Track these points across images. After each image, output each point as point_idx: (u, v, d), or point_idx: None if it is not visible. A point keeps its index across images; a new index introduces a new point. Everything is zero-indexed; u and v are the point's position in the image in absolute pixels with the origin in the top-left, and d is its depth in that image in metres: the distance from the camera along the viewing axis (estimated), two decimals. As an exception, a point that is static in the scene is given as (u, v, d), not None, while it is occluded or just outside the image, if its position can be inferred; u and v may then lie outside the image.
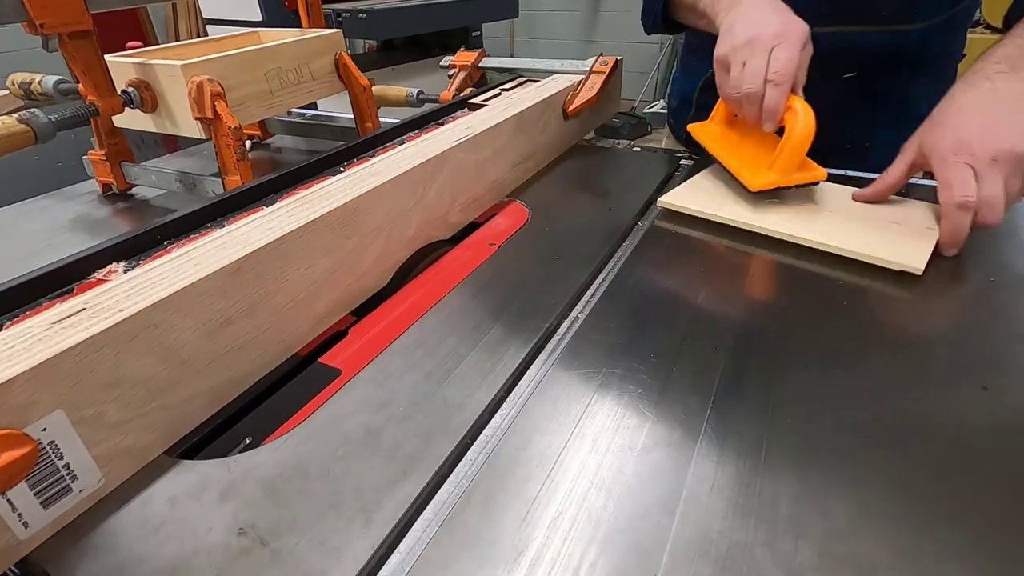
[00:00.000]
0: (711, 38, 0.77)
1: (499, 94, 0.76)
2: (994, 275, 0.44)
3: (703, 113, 0.83)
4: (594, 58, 0.78)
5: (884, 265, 0.43)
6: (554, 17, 4.17)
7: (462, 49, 0.84)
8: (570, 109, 0.69)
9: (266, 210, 0.39)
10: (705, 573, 0.23)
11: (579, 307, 0.42)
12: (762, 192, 0.51)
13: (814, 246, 0.46)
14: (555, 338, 0.38)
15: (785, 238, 0.48)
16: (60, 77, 0.62)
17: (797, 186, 0.52)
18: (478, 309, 0.41)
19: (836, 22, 0.65)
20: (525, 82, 0.82)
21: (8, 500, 0.24)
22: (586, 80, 0.73)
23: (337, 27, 2.63)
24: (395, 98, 0.82)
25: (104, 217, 0.62)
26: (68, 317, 0.27)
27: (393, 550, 0.25)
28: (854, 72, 0.66)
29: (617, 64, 0.76)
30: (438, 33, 2.92)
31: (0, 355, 0.25)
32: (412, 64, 3.06)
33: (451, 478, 0.28)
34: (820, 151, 0.67)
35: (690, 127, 0.62)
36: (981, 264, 0.45)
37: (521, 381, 0.35)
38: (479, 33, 3.31)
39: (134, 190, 0.66)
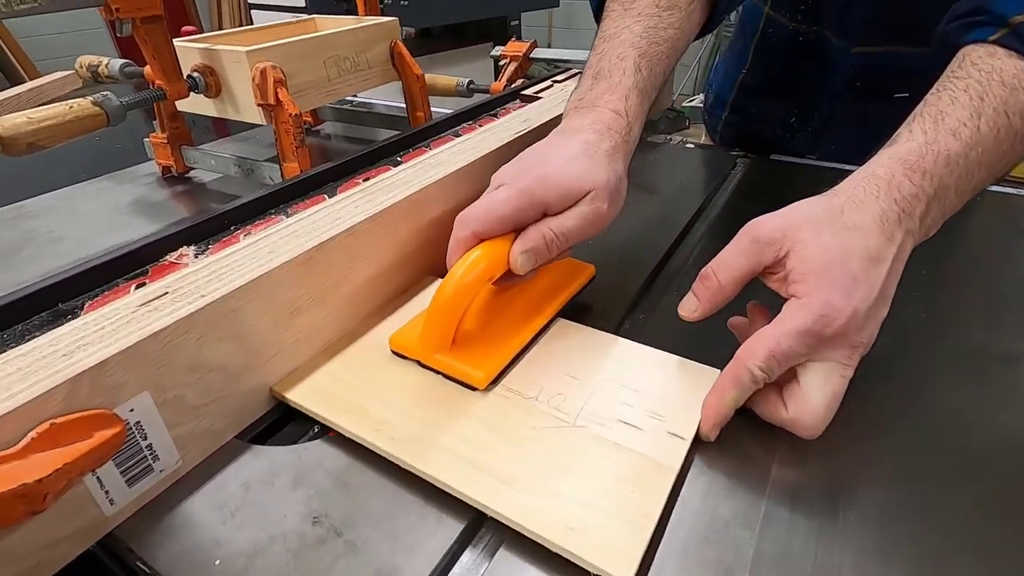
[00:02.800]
0: (752, 20, 0.74)
1: (551, 86, 0.75)
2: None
3: (736, 116, 0.81)
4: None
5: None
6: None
7: (513, 39, 0.83)
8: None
9: (331, 200, 0.39)
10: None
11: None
12: (400, 355, 0.34)
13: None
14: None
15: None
16: (126, 60, 0.64)
17: (441, 372, 0.33)
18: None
19: (886, 42, 0.62)
20: (577, 74, 0.80)
21: (97, 478, 0.25)
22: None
23: (379, 14, 2.63)
24: (444, 87, 0.81)
25: (163, 200, 0.63)
26: (152, 300, 0.28)
27: (466, 547, 0.25)
28: (905, 93, 0.64)
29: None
30: (477, 22, 2.91)
31: (91, 336, 0.25)
32: (451, 52, 3.06)
33: (520, 478, 0.28)
34: (860, 158, 0.64)
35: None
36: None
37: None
38: (517, 22, 3.29)
39: (191, 173, 0.68)
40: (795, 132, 0.72)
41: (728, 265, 0.31)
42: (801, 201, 0.31)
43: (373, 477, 0.28)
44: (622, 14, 0.43)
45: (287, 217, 0.42)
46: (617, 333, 0.37)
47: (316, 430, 0.32)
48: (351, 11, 0.81)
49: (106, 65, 0.64)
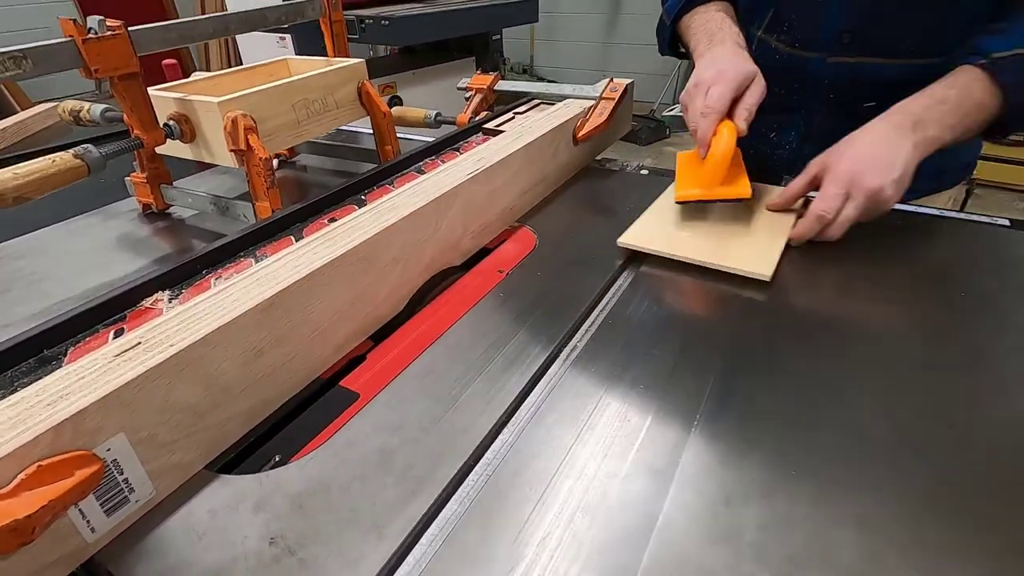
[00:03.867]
0: (747, 44, 0.83)
1: (512, 118, 0.79)
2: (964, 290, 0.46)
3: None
4: (605, 82, 0.81)
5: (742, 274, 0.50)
6: (574, 20, 4.18)
7: (478, 72, 0.88)
8: (580, 135, 0.72)
9: (294, 245, 0.43)
10: (673, 592, 0.27)
11: (578, 336, 0.45)
12: (690, 203, 0.58)
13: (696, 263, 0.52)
14: (554, 366, 0.42)
15: (686, 260, 0.52)
16: (107, 106, 0.67)
17: (722, 200, 0.57)
18: (484, 337, 0.45)
19: (857, 53, 0.67)
20: (538, 104, 0.85)
21: (80, 509, 0.28)
22: (596, 106, 0.76)
23: (360, 33, 2.65)
24: (414, 119, 0.86)
25: (145, 236, 0.67)
26: (127, 351, 0.32)
27: (402, 562, 0.29)
28: (873, 102, 0.69)
29: (627, 90, 0.79)
30: (459, 37, 2.95)
31: (72, 386, 0.29)
32: (433, 68, 3.11)
33: (454, 498, 0.32)
34: None
35: (678, 156, 0.67)
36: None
37: (520, 408, 0.38)
38: (499, 37, 3.34)
39: (171, 209, 0.71)
40: (775, 148, 0.77)
41: (798, 181, 0.56)
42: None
43: (325, 499, 0.32)
44: (705, 13, 0.70)
45: (255, 260, 0.46)
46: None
47: (278, 458, 0.36)
48: None
49: (87, 110, 0.67)
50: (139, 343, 0.32)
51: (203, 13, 5.33)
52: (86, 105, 0.68)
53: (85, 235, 0.68)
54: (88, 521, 0.29)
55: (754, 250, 0.52)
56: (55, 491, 0.26)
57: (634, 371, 0.41)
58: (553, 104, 0.82)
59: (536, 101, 0.85)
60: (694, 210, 0.59)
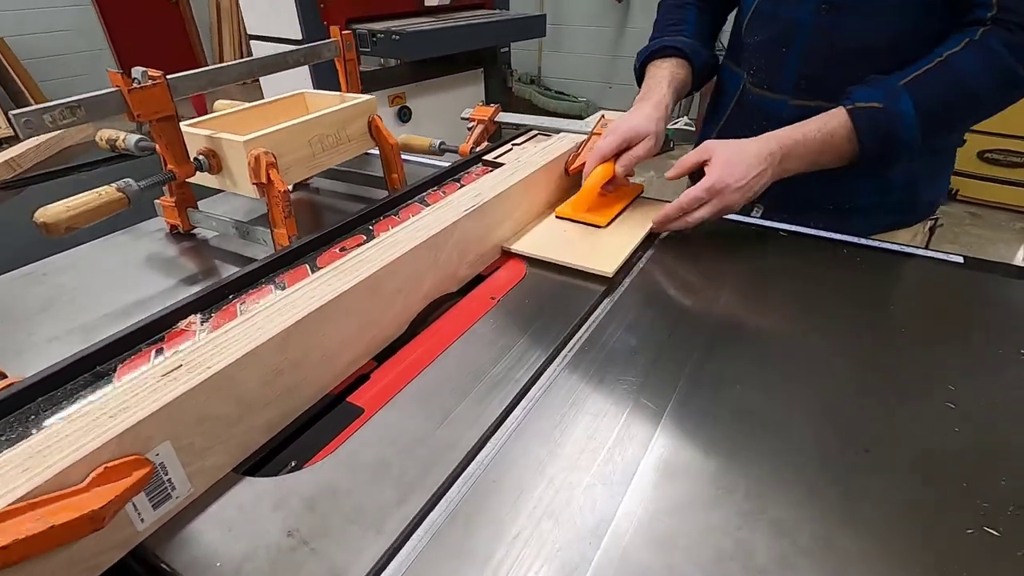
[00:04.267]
0: (723, 88, 0.92)
1: (511, 149, 0.85)
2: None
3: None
4: (597, 117, 0.87)
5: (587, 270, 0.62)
6: (582, 32, 4.25)
7: (480, 104, 0.94)
8: (571, 169, 0.78)
9: (309, 277, 0.49)
10: (617, 583, 0.33)
11: (556, 361, 0.51)
12: (562, 219, 0.73)
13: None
14: (533, 389, 0.48)
15: (550, 260, 0.64)
16: (140, 136, 0.74)
17: (583, 223, 0.71)
18: (474, 360, 0.51)
19: (815, 97, 0.74)
20: (536, 135, 0.91)
21: (133, 503, 0.35)
22: (588, 140, 0.82)
23: (372, 47, 2.72)
24: (419, 147, 0.92)
25: (173, 256, 0.73)
26: (171, 372, 0.38)
27: (396, 553, 0.35)
28: None
29: (618, 124, 0.85)
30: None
31: (129, 401, 0.36)
32: (442, 79, 3.18)
33: (441, 502, 0.38)
34: (804, 210, 0.78)
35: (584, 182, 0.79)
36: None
37: (502, 426, 0.44)
38: (507, 49, 3.42)
39: (195, 230, 0.78)
40: None
41: (690, 156, 0.68)
42: (728, 140, 0.67)
43: (333, 501, 0.38)
44: (656, 69, 0.83)
45: (275, 287, 0.53)
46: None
47: (294, 464, 0.42)
48: None
49: (123, 139, 0.74)
50: (180, 365, 0.39)
51: (220, 34, 5.45)
52: (122, 135, 0.75)
53: (118, 253, 0.74)
54: (139, 513, 0.35)
55: (606, 253, 0.64)
56: (119, 488, 0.32)
57: (602, 396, 0.46)
58: (549, 136, 0.88)
59: (534, 132, 0.91)
60: (575, 224, 0.72)
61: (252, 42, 2.96)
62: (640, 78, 0.87)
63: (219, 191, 0.91)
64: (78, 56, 5.19)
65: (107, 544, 0.34)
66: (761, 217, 0.78)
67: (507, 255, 0.68)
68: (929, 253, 0.67)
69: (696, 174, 0.69)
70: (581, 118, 4.10)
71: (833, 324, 0.55)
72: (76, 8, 5.12)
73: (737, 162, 0.64)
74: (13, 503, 0.29)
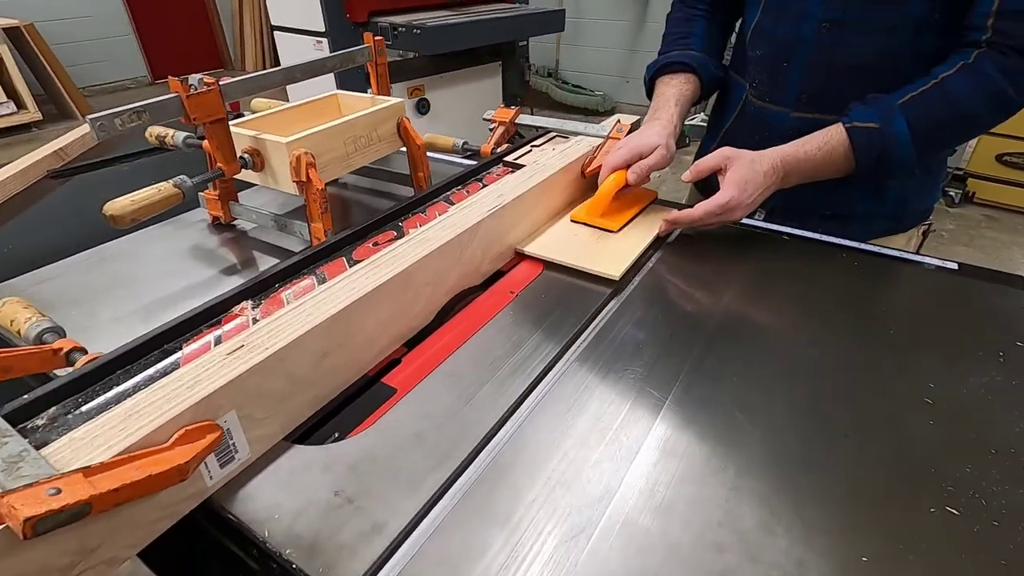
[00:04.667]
0: (727, 96, 0.96)
1: (530, 151, 0.90)
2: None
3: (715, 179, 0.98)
4: (613, 121, 0.91)
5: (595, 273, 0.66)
6: (600, 26, 4.25)
7: (501, 105, 0.99)
8: (587, 171, 0.83)
9: (349, 270, 0.54)
10: (618, 544, 0.38)
11: (571, 351, 0.56)
12: (578, 222, 0.77)
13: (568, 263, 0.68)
14: (549, 375, 0.53)
15: (561, 263, 0.68)
16: (188, 133, 0.80)
17: (596, 227, 0.75)
18: (495, 348, 0.56)
19: (815, 111, 0.78)
20: (554, 137, 0.96)
21: (205, 463, 0.40)
22: (604, 144, 0.86)
23: (393, 40, 2.76)
24: (443, 146, 0.97)
25: (215, 246, 0.79)
26: (235, 351, 0.44)
27: (429, 511, 0.41)
28: None
29: (633, 127, 0.89)
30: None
31: (201, 375, 0.41)
32: (461, 72, 3.22)
33: (468, 470, 0.44)
34: (804, 216, 0.82)
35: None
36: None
37: (521, 407, 0.49)
38: (526, 43, 3.44)
39: (236, 222, 0.84)
40: None
41: (707, 161, 0.71)
42: (743, 149, 0.70)
43: (373, 466, 0.44)
44: (664, 86, 0.88)
45: (315, 277, 0.58)
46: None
47: (337, 435, 0.47)
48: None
49: (172, 136, 0.80)
50: (242, 346, 0.44)
51: (241, 23, 5.50)
52: (171, 132, 0.81)
53: (166, 242, 0.80)
54: (208, 471, 0.41)
55: (614, 257, 0.68)
56: (197, 447, 0.38)
57: (610, 384, 0.52)
58: (567, 139, 0.92)
59: (552, 134, 0.96)
60: (588, 228, 0.76)
61: (276, 33, 3.02)
62: (650, 91, 0.92)
63: (254, 185, 0.97)
64: (103, 42, 5.29)
65: (185, 495, 0.40)
66: (764, 221, 0.83)
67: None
68: (925, 259, 0.71)
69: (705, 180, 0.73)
70: (598, 112, 4.14)
71: (827, 325, 0.59)
72: (103, -5, 5.21)
73: (751, 180, 0.67)
74: (117, 455, 0.35)
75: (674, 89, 0.86)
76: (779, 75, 0.80)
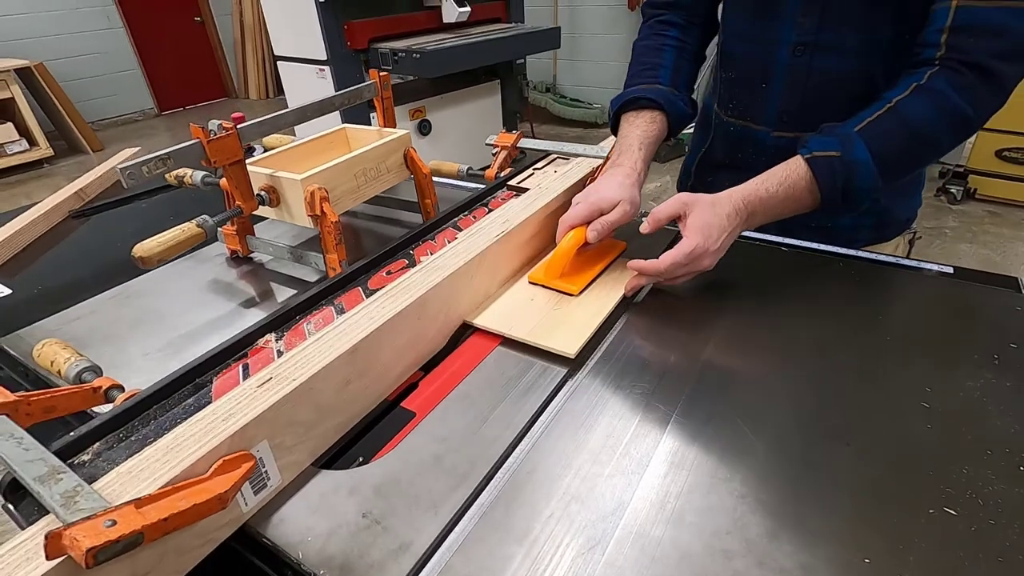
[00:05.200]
0: (709, 115, 0.97)
1: (532, 174, 0.93)
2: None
3: (697, 183, 1.00)
4: (612, 142, 0.94)
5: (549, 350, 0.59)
6: (596, 40, 4.32)
7: (503, 131, 1.02)
8: (588, 192, 0.86)
9: (365, 301, 0.57)
10: (633, 555, 0.40)
11: (581, 372, 0.58)
12: (536, 284, 0.70)
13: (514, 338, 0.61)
14: (560, 394, 0.55)
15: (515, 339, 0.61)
16: (206, 173, 0.84)
17: (555, 290, 0.68)
18: (508, 370, 0.58)
19: (796, 129, 0.80)
20: (555, 159, 0.99)
21: (240, 491, 0.43)
22: (603, 165, 0.89)
23: (393, 65, 2.82)
24: (448, 172, 1.01)
25: (233, 280, 0.83)
26: (264, 383, 0.47)
27: (451, 530, 0.43)
28: None
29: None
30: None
31: (234, 408, 0.44)
32: (460, 91, 3.28)
33: (487, 489, 0.46)
34: (790, 228, 0.84)
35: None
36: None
37: (534, 426, 0.52)
38: (523, 61, 3.50)
39: (253, 255, 0.87)
40: None
41: (664, 209, 0.66)
42: (702, 193, 0.66)
43: (397, 488, 0.46)
44: (629, 126, 0.82)
45: (334, 308, 0.61)
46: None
47: (361, 459, 0.50)
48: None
49: (190, 176, 0.84)
50: (271, 378, 0.47)
51: (243, 45, 5.62)
52: (189, 172, 0.85)
53: (187, 277, 0.84)
54: (244, 498, 0.44)
55: (572, 328, 0.62)
56: (235, 476, 0.41)
57: (619, 400, 0.54)
58: (568, 160, 0.96)
59: (553, 156, 0.99)
60: (547, 290, 0.69)
61: (279, 63, 3.09)
62: (615, 126, 0.86)
63: (265, 218, 1.01)
64: (111, 77, 5.42)
65: (223, 521, 0.42)
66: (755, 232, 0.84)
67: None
68: (921, 264, 0.73)
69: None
70: (597, 124, 4.17)
71: (826, 332, 0.61)
72: (108, 32, 5.35)
73: (714, 224, 0.63)
74: (162, 487, 0.38)
75: (639, 130, 0.80)
76: (757, 97, 0.82)
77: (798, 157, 0.67)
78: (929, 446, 0.47)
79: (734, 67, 0.85)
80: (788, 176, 0.66)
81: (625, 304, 0.68)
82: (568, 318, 0.64)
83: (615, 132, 0.86)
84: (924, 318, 0.64)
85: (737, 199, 0.65)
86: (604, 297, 0.67)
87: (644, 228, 0.67)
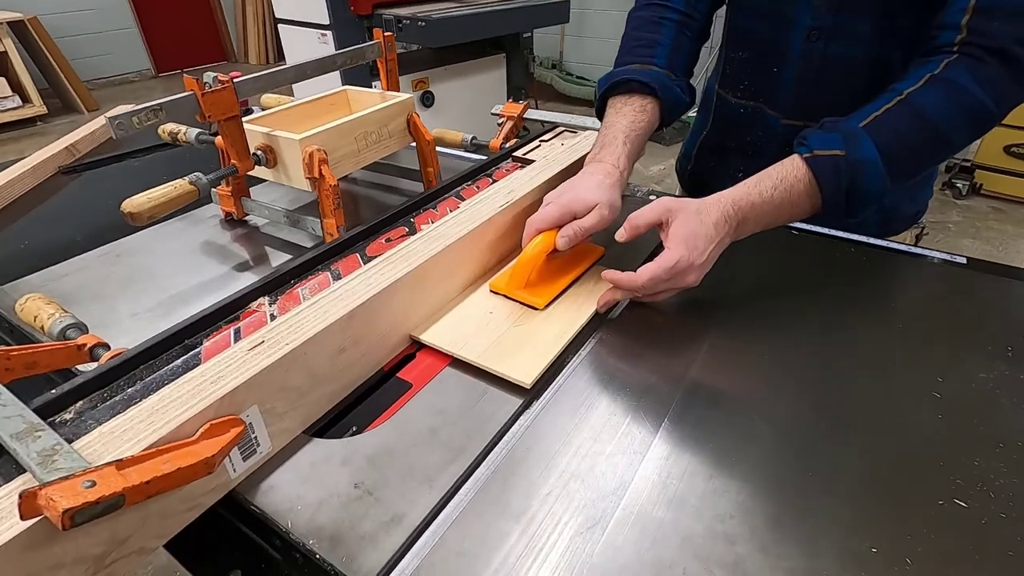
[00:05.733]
0: (711, 96, 0.92)
1: (539, 146, 0.91)
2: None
3: (698, 167, 0.97)
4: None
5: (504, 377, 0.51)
6: (604, 16, 4.22)
7: (510, 101, 0.99)
8: (596, 167, 0.83)
9: (364, 267, 0.55)
10: (633, 535, 0.39)
11: (583, 349, 0.57)
12: (497, 294, 0.61)
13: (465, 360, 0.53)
14: (561, 372, 0.54)
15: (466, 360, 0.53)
16: (200, 130, 0.81)
17: (518, 301, 0.60)
18: (508, 343, 0.57)
19: (804, 118, 0.77)
20: (562, 132, 0.96)
21: (228, 456, 0.41)
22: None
23: (397, 32, 2.76)
24: (451, 141, 0.98)
25: (228, 241, 0.80)
26: (256, 347, 0.45)
27: (446, 504, 0.42)
28: None
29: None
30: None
31: (224, 371, 0.42)
32: (465, 64, 3.21)
33: (483, 464, 0.44)
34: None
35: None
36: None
37: (534, 402, 0.50)
38: (530, 35, 3.42)
39: (248, 217, 0.85)
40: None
41: (644, 215, 0.57)
42: (686, 198, 0.58)
43: (391, 460, 0.45)
44: (616, 113, 0.73)
45: (330, 273, 0.59)
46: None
47: (355, 429, 0.48)
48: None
49: (184, 133, 0.81)
50: (263, 342, 0.45)
51: (243, 8, 5.49)
52: (183, 128, 0.82)
53: (180, 237, 0.81)
54: (232, 464, 0.42)
55: (530, 351, 0.54)
56: (222, 441, 0.39)
57: (620, 381, 0.52)
58: (576, 134, 0.93)
59: (560, 129, 0.96)
60: (509, 301, 0.61)
61: (280, 26, 3.01)
62: (601, 110, 0.77)
63: (265, 180, 0.98)
64: (107, 35, 5.29)
65: (209, 487, 0.41)
66: None
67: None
68: (934, 253, 0.72)
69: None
70: (602, 105, 4.02)
71: (835, 319, 0.60)
72: (106, -13, 5.20)
73: (700, 234, 0.55)
74: (146, 449, 0.36)
75: (625, 120, 0.70)
76: (769, 80, 0.78)
77: (795, 156, 0.59)
78: (939, 437, 0.46)
79: (745, 46, 0.81)
80: (784, 178, 0.58)
81: (598, 320, 0.60)
82: (529, 337, 0.55)
83: (600, 116, 0.77)
84: (936, 308, 0.63)
85: (726, 205, 0.58)
86: (574, 313, 0.59)
87: (621, 236, 0.58)
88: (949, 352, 0.55)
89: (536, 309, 0.59)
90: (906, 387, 0.51)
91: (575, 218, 0.61)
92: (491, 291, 0.62)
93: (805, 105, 0.77)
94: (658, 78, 0.72)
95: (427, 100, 3.04)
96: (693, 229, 0.56)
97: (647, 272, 0.55)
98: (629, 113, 0.72)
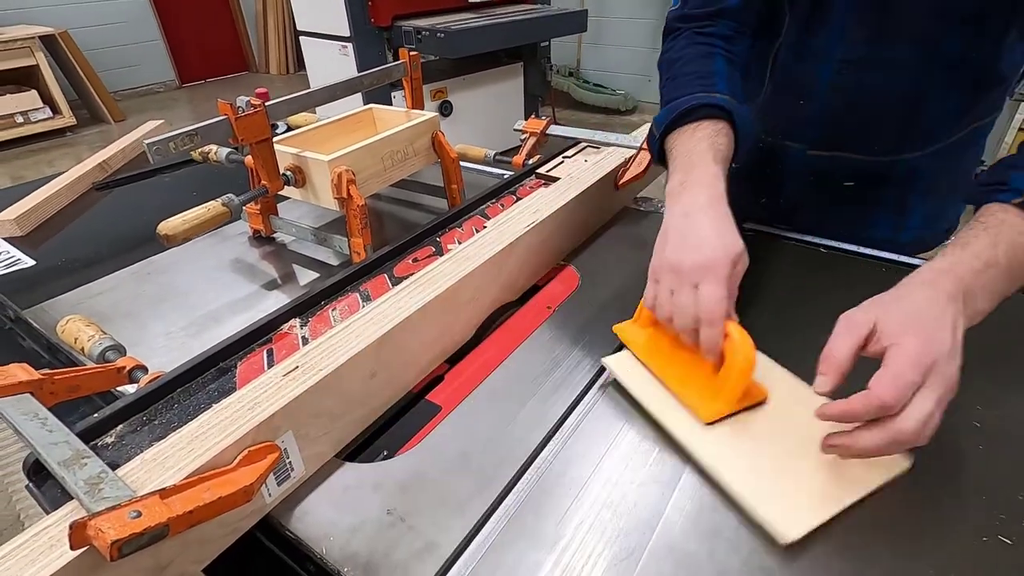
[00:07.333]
0: None
1: (562, 162, 0.91)
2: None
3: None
4: (647, 130, 0.91)
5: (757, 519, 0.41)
6: (623, 25, 4.22)
7: (533, 116, 0.99)
8: (620, 184, 0.83)
9: (393, 289, 0.56)
10: (667, 569, 0.39)
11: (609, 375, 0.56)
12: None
13: (707, 470, 0.45)
14: (590, 393, 0.54)
15: (689, 452, 0.46)
16: (231, 149, 0.82)
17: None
18: (536, 365, 0.57)
19: (832, 148, 0.76)
20: (585, 147, 0.96)
21: (264, 482, 0.42)
22: (636, 156, 0.87)
23: (417, 44, 2.78)
24: (474, 157, 0.98)
25: (255, 260, 0.81)
26: (290, 372, 0.45)
27: (478, 532, 0.42)
28: (852, 183, 0.77)
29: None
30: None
31: (259, 397, 0.43)
32: (483, 73, 3.23)
33: (514, 491, 0.44)
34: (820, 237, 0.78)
35: (616, 329, 0.58)
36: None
37: (563, 425, 0.50)
38: (547, 44, 3.43)
39: (276, 235, 0.86)
40: (764, 209, 0.86)
41: (840, 344, 0.42)
42: (882, 295, 0.46)
43: (423, 486, 0.45)
44: (689, 139, 0.59)
45: (359, 295, 0.60)
46: (589, 390, 0.53)
47: (386, 453, 0.49)
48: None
49: (215, 152, 0.83)
50: (297, 367, 0.46)
51: (264, 19, 5.59)
52: (214, 148, 0.83)
53: (209, 255, 0.83)
54: (267, 489, 0.43)
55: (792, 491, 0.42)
56: (260, 468, 0.39)
57: (653, 402, 0.52)
58: (599, 149, 0.93)
59: (583, 145, 0.96)
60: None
61: (301, 38, 3.06)
62: (659, 151, 0.64)
63: (288, 198, 0.99)
64: (133, 47, 5.42)
65: (246, 512, 0.41)
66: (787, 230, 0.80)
67: (560, 266, 0.73)
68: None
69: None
70: (620, 111, 4.09)
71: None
72: (132, 0, 5.33)
73: (925, 319, 0.41)
74: (187, 477, 0.37)
75: (704, 143, 0.57)
76: (795, 112, 0.75)
77: (999, 205, 0.47)
78: (982, 469, 0.45)
79: (771, 80, 0.78)
80: (999, 237, 0.45)
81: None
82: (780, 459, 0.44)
83: (663, 162, 0.64)
84: (977, 332, 0.61)
85: (938, 276, 0.44)
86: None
87: (821, 389, 0.42)
88: (988, 380, 0.53)
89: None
90: (946, 417, 0.50)
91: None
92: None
93: (831, 136, 0.75)
94: (728, 103, 0.60)
95: (445, 110, 3.07)
96: (913, 319, 0.42)
97: (886, 379, 0.40)
98: (705, 137, 0.58)
